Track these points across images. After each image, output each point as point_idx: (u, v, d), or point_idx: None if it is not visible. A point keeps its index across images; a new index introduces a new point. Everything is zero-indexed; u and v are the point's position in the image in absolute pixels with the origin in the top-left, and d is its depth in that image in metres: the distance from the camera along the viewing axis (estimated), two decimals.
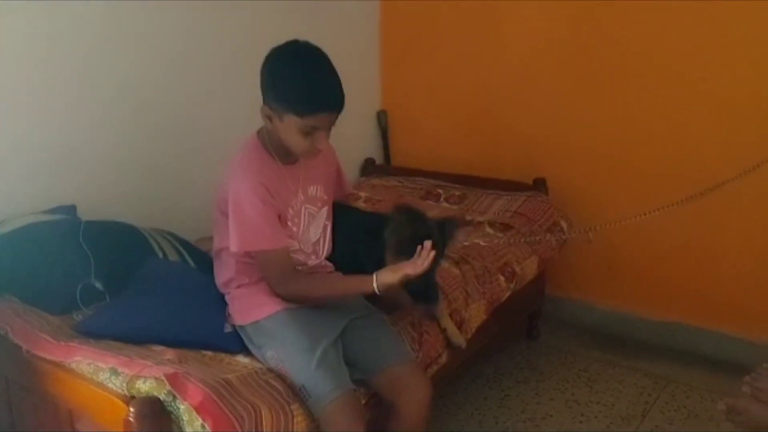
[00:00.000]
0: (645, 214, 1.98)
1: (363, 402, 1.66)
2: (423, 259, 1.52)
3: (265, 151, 1.66)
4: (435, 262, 1.57)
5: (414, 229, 1.70)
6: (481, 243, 2.31)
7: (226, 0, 2.36)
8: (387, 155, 3.22)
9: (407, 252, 1.58)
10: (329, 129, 1.60)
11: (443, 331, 1.94)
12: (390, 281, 1.56)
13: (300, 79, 1.55)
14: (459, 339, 1.96)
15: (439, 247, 1.64)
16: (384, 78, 3.16)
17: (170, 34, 2.26)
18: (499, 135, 2.88)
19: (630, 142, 2.56)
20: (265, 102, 1.60)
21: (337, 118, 1.59)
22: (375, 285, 1.56)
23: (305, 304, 1.67)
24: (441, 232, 1.74)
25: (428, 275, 1.62)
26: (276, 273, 1.65)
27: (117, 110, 2.16)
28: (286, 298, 1.66)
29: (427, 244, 1.53)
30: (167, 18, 2.23)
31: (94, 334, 1.65)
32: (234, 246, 1.62)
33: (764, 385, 1.56)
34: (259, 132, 1.69)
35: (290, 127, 1.57)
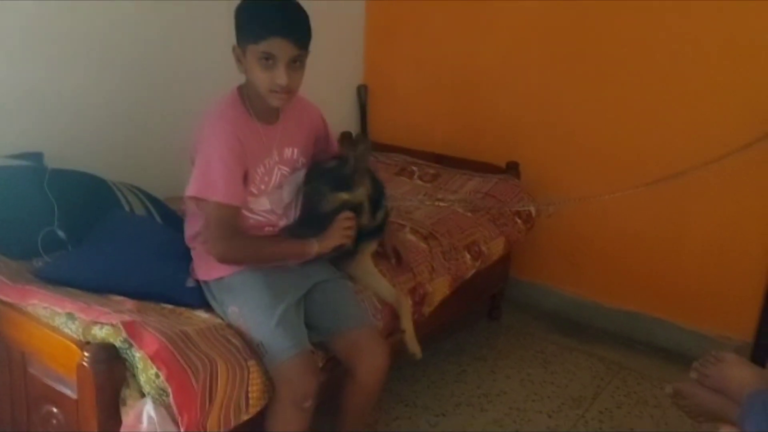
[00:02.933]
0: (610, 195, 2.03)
1: (320, 365, 1.68)
2: (346, 230, 1.71)
3: (243, 107, 1.65)
4: (363, 185, 1.77)
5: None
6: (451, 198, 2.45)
7: None
8: (364, 130, 3.21)
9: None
10: (289, 62, 1.55)
11: (402, 332, 1.89)
12: (327, 248, 1.71)
13: (259, 7, 1.56)
14: (415, 347, 1.90)
15: (363, 170, 1.78)
16: (367, 52, 3.15)
17: None
18: (477, 117, 2.89)
19: (605, 133, 2.59)
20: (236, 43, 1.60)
21: (298, 53, 1.55)
22: (317, 250, 1.68)
23: (241, 266, 1.65)
24: (357, 160, 1.77)
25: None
26: (218, 228, 1.58)
27: (89, 55, 2.12)
28: (221, 258, 1.61)
29: (343, 216, 1.71)
30: None
31: (53, 280, 1.64)
32: (188, 189, 1.59)
33: (710, 371, 1.61)
34: (239, 88, 1.67)
35: (252, 62, 1.56)
